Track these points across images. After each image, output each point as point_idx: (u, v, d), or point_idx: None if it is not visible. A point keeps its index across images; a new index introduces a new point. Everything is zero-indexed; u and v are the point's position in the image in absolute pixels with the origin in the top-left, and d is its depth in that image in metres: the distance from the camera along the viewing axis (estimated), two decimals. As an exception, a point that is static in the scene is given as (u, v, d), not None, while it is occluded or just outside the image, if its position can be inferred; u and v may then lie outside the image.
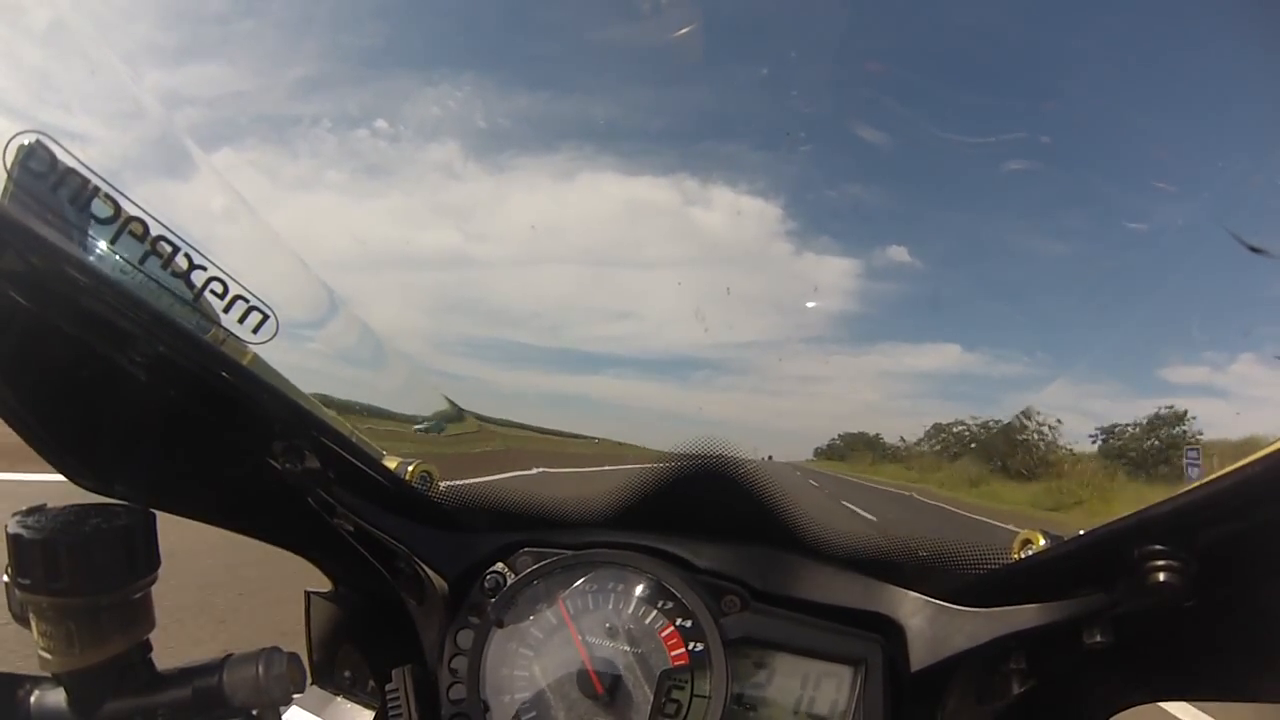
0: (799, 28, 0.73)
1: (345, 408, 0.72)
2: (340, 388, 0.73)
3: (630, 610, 0.67)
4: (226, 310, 0.55)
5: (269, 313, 0.56)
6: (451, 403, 0.85)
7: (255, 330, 0.56)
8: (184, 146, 0.65)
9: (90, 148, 0.50)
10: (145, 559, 0.57)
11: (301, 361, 0.63)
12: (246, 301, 0.56)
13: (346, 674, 0.82)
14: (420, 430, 0.86)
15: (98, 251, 0.51)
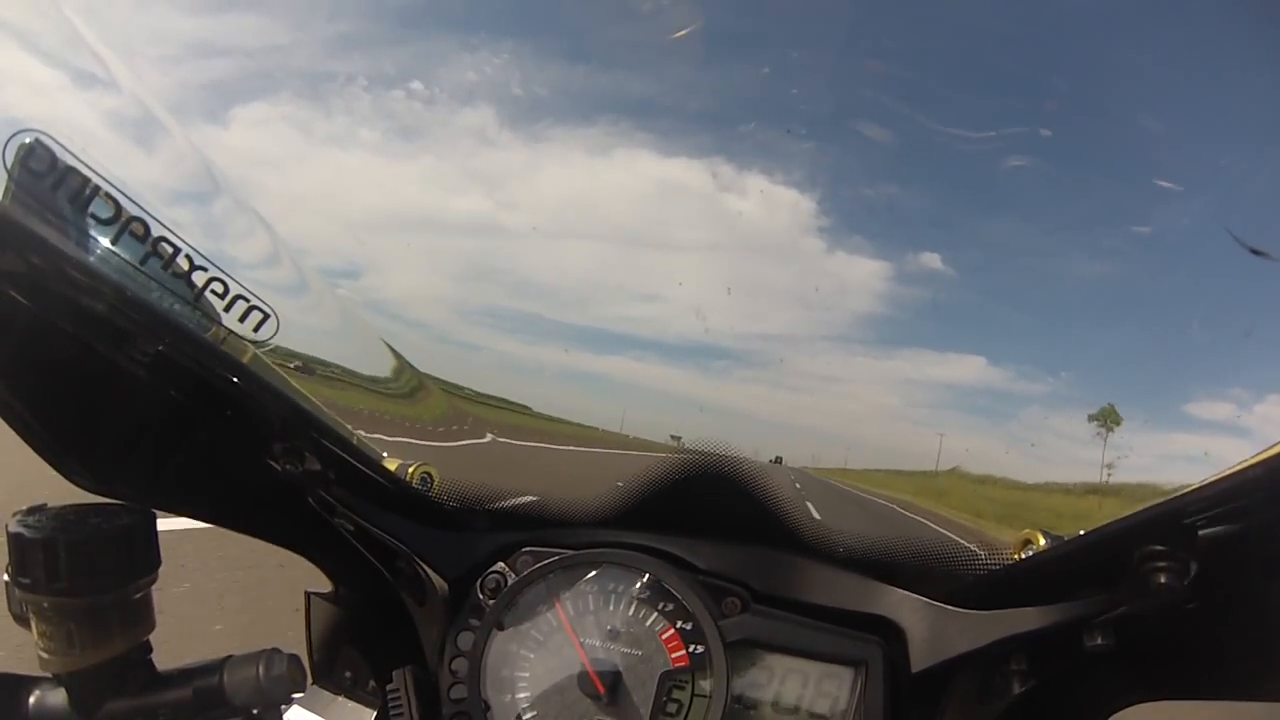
0: (844, 20, 0.72)
1: (293, 356, 0.69)
2: (296, 344, 0.70)
3: (631, 612, 0.67)
4: (227, 309, 0.55)
5: (270, 311, 0.56)
6: (407, 364, 0.83)
7: (256, 329, 0.56)
8: (174, 122, 0.64)
9: (88, 142, 0.50)
10: (145, 559, 0.56)
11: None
12: (247, 301, 0.56)
13: (347, 674, 0.82)
14: (376, 390, 0.83)
15: (98, 251, 0.50)
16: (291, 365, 0.67)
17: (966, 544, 0.65)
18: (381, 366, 0.83)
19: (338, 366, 0.78)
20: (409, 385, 0.86)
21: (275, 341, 0.57)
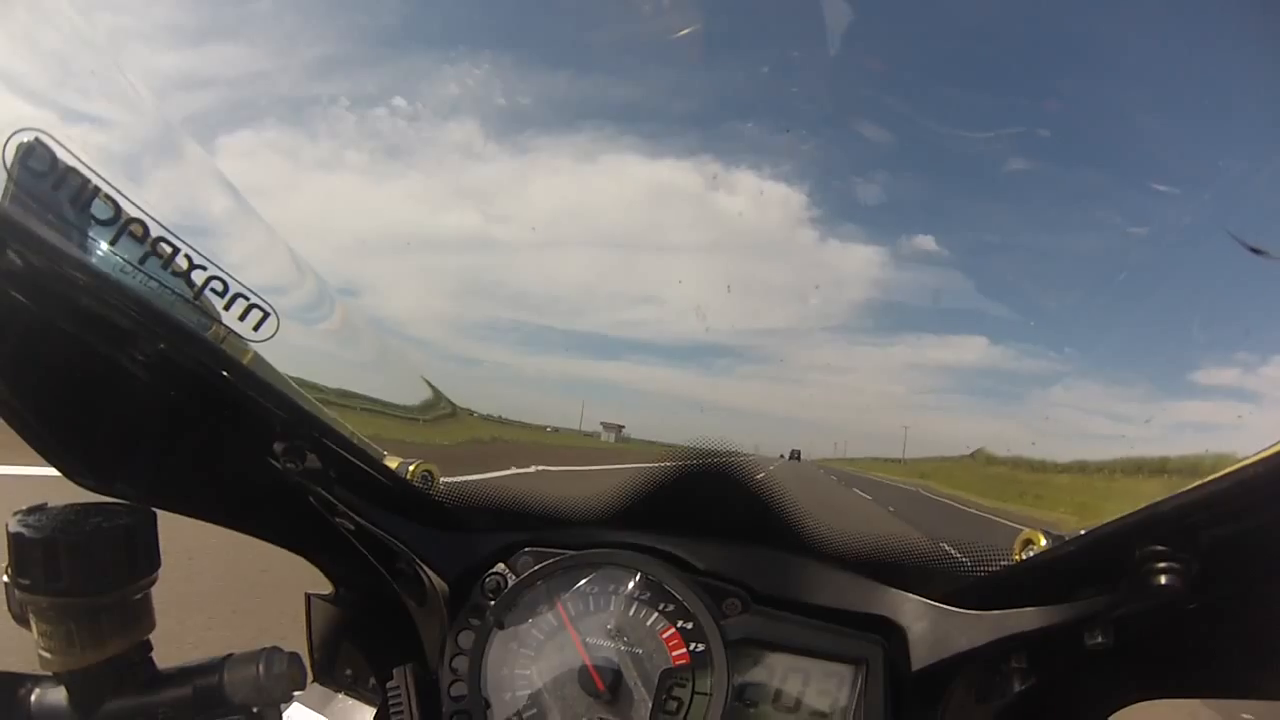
0: (828, 17, 0.72)
1: (337, 395, 0.71)
2: (334, 380, 0.72)
3: (631, 612, 0.67)
4: (227, 308, 0.55)
5: (269, 310, 0.56)
6: (443, 395, 0.84)
7: (256, 328, 0.56)
8: (181, 139, 0.64)
9: (90, 143, 0.49)
10: (145, 559, 0.56)
11: (292, 353, 0.61)
12: (247, 299, 0.55)
13: (348, 672, 0.82)
14: (413, 420, 0.84)
15: (98, 251, 0.50)
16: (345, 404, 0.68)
17: (967, 544, 0.65)
18: (412, 396, 0.83)
19: (371, 398, 0.79)
20: (437, 414, 0.86)
21: (294, 360, 0.57)
